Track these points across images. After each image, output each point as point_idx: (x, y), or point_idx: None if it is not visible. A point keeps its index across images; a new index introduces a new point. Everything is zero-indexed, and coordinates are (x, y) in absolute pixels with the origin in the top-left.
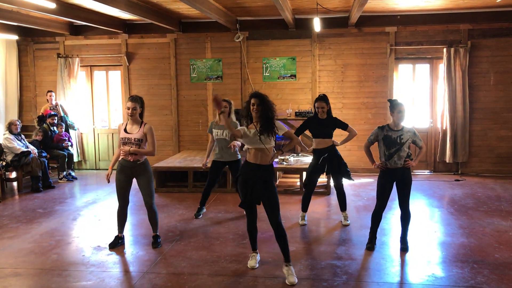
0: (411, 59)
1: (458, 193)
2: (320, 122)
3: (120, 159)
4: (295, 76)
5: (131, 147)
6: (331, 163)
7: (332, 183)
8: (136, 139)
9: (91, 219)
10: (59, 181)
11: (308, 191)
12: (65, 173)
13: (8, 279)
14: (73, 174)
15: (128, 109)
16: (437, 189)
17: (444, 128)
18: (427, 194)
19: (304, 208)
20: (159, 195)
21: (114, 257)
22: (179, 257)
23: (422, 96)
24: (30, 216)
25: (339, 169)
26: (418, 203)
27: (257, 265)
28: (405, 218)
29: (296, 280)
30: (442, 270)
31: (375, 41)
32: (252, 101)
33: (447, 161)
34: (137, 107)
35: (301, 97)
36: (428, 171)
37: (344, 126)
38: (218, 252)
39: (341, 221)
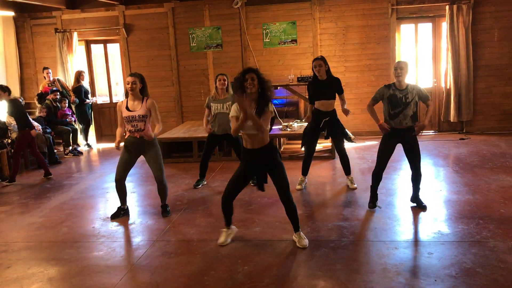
0: (413, 19)
1: (463, 151)
2: (321, 83)
3: (127, 136)
4: (296, 40)
5: (137, 125)
6: (331, 127)
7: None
8: (141, 116)
9: (99, 192)
10: (65, 156)
11: (308, 155)
12: (70, 148)
13: (21, 252)
14: (78, 149)
15: (128, 83)
16: (442, 148)
17: (448, 87)
18: (432, 154)
19: (304, 172)
20: (165, 166)
21: (123, 228)
22: (188, 224)
23: (425, 56)
24: (39, 191)
25: (340, 132)
26: (423, 163)
27: (229, 241)
28: (417, 178)
29: (308, 243)
30: (448, 226)
31: (376, 1)
32: (251, 75)
33: (452, 120)
34: (136, 81)
35: (302, 62)
36: (433, 131)
37: (340, 90)
38: None
39: (348, 185)
